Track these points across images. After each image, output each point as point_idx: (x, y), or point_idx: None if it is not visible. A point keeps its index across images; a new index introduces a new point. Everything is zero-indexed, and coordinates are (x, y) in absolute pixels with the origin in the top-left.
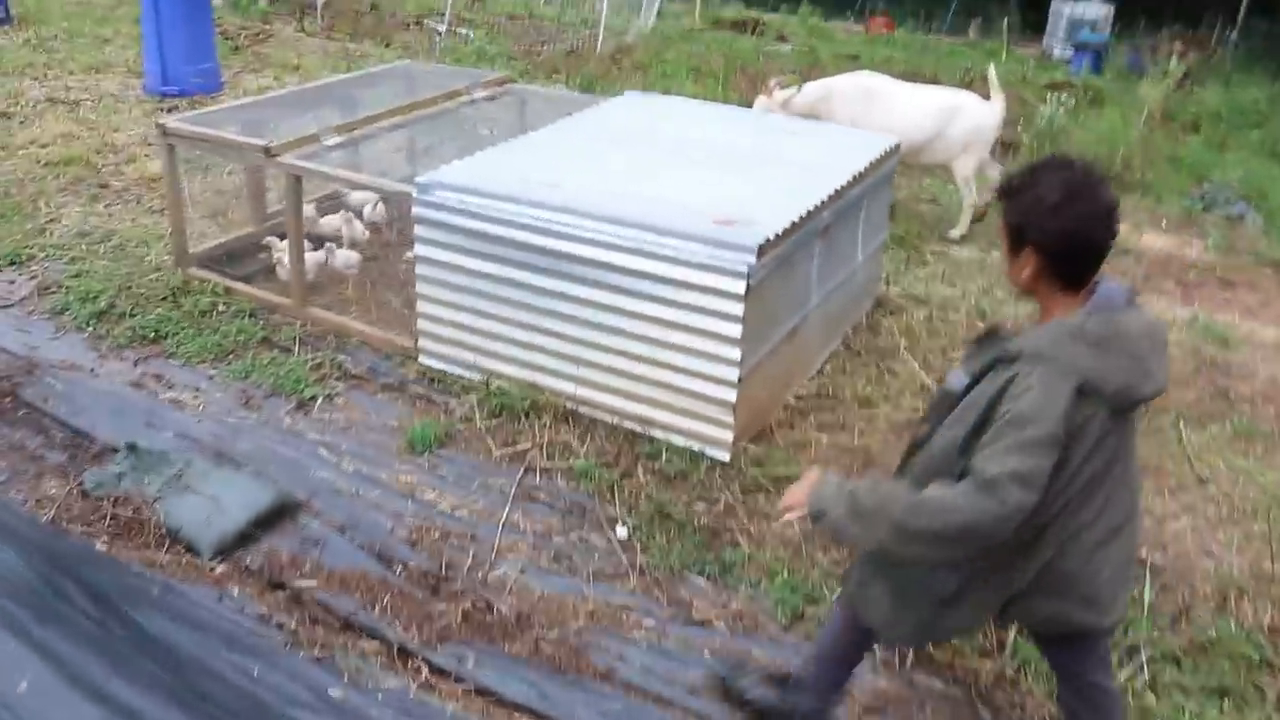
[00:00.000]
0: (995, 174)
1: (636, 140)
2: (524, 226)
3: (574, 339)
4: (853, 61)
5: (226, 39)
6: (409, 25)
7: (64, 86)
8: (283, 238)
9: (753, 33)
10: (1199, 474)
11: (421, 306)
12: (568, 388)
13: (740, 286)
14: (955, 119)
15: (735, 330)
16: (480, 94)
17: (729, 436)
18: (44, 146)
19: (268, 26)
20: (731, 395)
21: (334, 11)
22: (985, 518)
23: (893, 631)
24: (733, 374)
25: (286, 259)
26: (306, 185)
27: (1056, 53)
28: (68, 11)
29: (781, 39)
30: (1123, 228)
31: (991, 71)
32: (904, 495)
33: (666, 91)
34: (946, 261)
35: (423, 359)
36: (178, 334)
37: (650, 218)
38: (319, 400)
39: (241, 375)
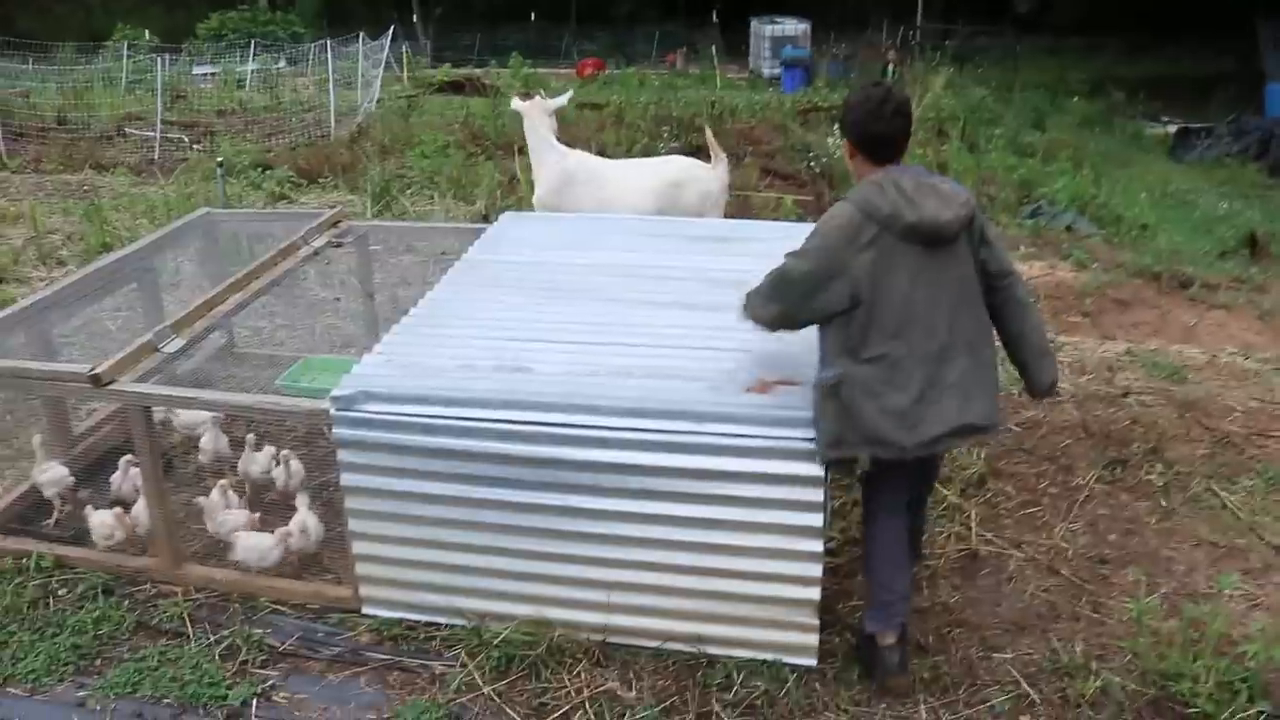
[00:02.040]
0: None
1: (567, 282)
2: (502, 436)
3: (592, 559)
4: (595, 111)
5: None
6: (109, 137)
7: None
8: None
9: (473, 92)
10: (1271, 543)
11: (359, 547)
12: (591, 618)
13: (817, 470)
14: (682, 191)
15: (815, 519)
16: (319, 241)
17: (814, 640)
18: None
19: None
20: (815, 593)
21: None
22: (776, 275)
23: (824, 449)
24: (815, 570)
25: (100, 521)
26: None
27: (766, 72)
28: None
29: (523, 95)
30: None
31: (709, 135)
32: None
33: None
34: None
35: (370, 609)
36: (7, 643)
37: (672, 402)
38: (254, 704)
39: (126, 689)
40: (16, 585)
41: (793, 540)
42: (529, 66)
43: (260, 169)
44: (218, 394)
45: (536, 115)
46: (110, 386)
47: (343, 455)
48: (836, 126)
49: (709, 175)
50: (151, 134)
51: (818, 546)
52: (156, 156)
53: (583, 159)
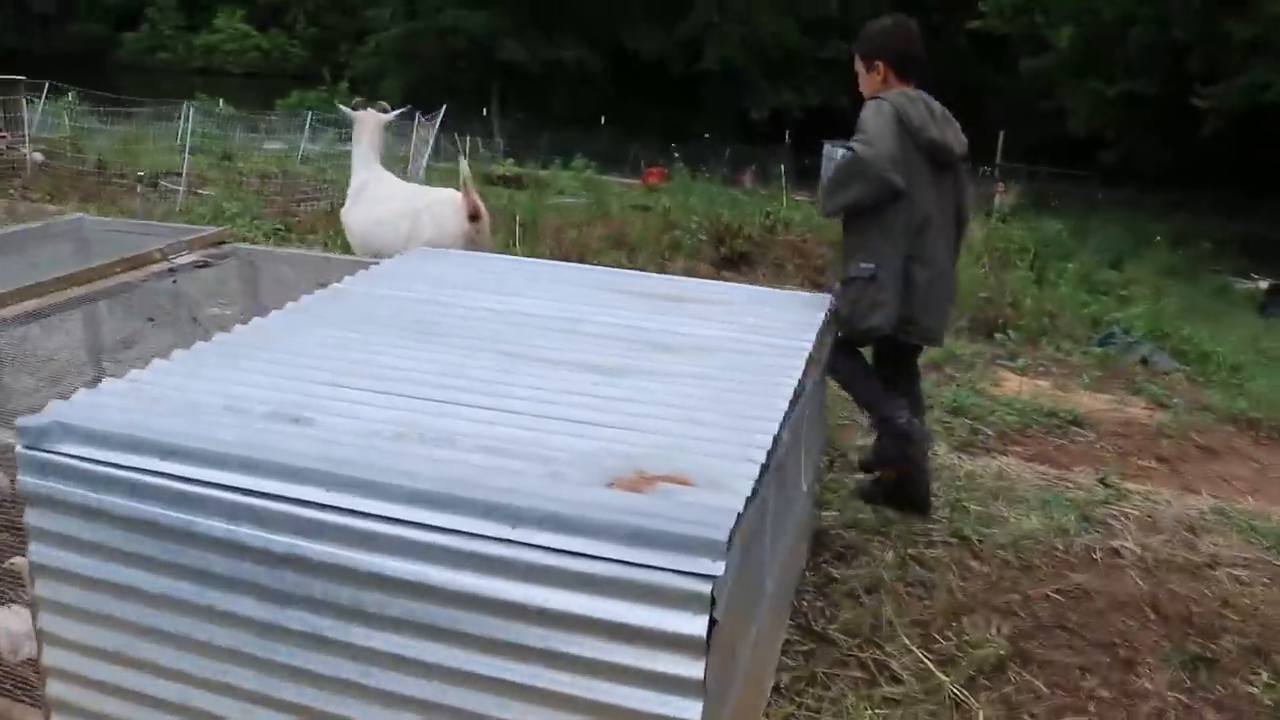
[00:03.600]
0: None
1: (449, 326)
2: (229, 512)
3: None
4: (645, 212)
5: None
6: (136, 186)
7: None
8: None
9: (527, 187)
10: None
11: (51, 656)
12: None
13: (699, 625)
14: (420, 219)
15: (690, 710)
16: (185, 258)
17: None
18: None
19: None
20: None
21: (51, 172)
22: (850, 161)
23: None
24: None
25: None
26: None
27: None
28: None
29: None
30: (1052, 390)
31: (464, 179)
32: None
33: None
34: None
35: None
36: None
37: (494, 490)
38: None
39: None
40: None
41: None
42: (593, 170)
43: (251, 218)
44: None
45: (369, 126)
46: None
47: (30, 516)
48: (858, 50)
49: (449, 215)
50: (180, 186)
51: None
52: (178, 208)
53: (381, 176)
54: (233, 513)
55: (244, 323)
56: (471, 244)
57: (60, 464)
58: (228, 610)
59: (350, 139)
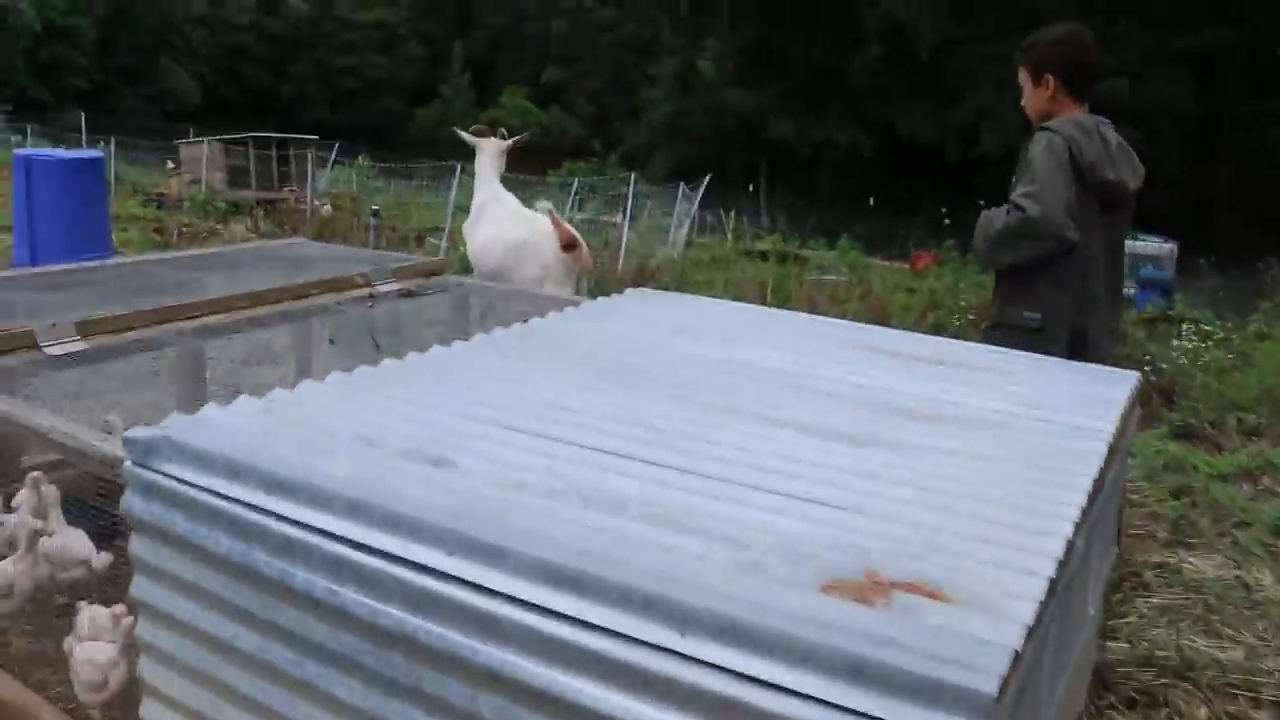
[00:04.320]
0: None
1: (656, 372)
2: (333, 568)
3: None
4: (909, 294)
5: (158, 234)
6: (409, 239)
7: None
8: None
9: (790, 263)
10: None
11: (150, 711)
12: None
13: None
14: (522, 252)
15: None
16: (389, 286)
17: None
18: None
19: (218, 226)
20: None
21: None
22: (1012, 221)
23: None
24: None
25: None
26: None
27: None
28: None
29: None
30: None
31: (552, 214)
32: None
33: None
34: (1181, 583)
35: None
36: None
37: (675, 582)
38: None
39: None
40: None
41: None
42: (859, 251)
43: None
44: (27, 412)
45: (488, 151)
46: None
47: (134, 545)
48: (1024, 61)
49: (550, 243)
50: (443, 241)
51: None
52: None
53: (500, 197)
54: (337, 569)
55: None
56: (571, 273)
57: (166, 487)
58: (328, 691)
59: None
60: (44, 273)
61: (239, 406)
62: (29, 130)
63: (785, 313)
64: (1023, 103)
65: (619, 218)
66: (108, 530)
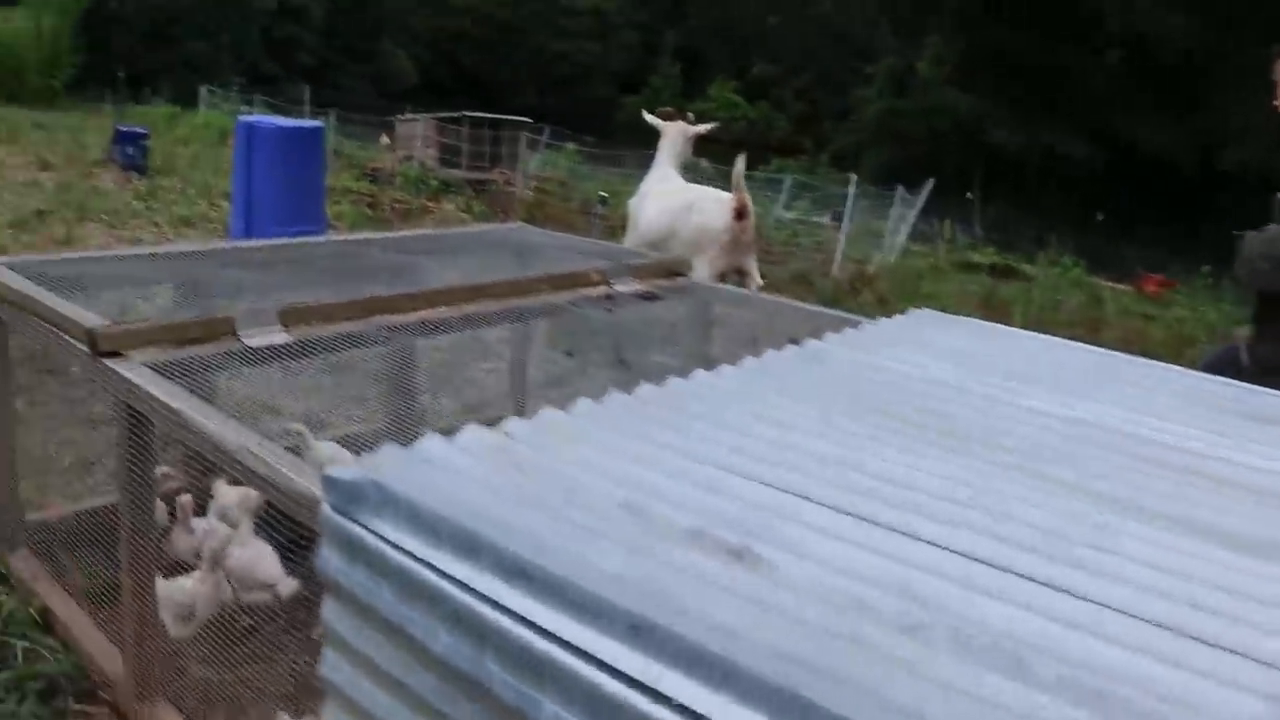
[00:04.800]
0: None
1: (947, 416)
2: (598, 712)
3: None
4: (1146, 320)
5: (371, 209)
6: (615, 229)
7: (131, 239)
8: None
9: (1009, 278)
10: None
11: None
12: None
13: None
14: (689, 216)
15: None
16: (628, 286)
17: None
18: None
19: (430, 204)
20: None
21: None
22: None
23: None
24: None
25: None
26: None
27: None
28: (202, 165)
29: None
30: None
31: (737, 173)
32: None
33: None
34: None
35: None
36: None
37: None
38: None
39: None
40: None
41: None
42: (1081, 270)
43: None
44: (209, 420)
45: (671, 135)
46: (107, 359)
47: (327, 610)
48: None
49: (715, 210)
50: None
51: None
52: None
53: (668, 176)
54: (607, 713)
55: (683, 376)
56: (736, 243)
57: (373, 548)
58: None
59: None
60: (254, 248)
61: (467, 442)
62: (255, 100)
63: (1107, 353)
64: (1276, 101)
65: (827, 217)
66: (298, 543)
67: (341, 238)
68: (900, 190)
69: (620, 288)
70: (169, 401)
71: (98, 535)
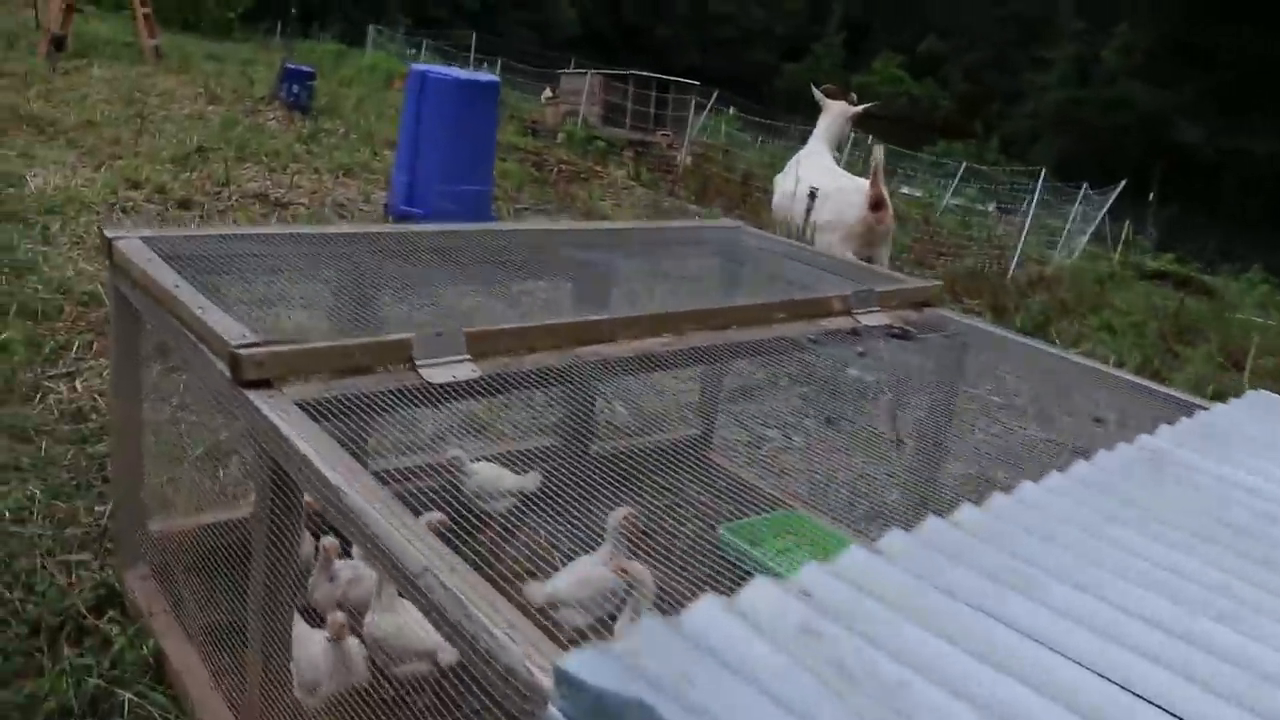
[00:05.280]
0: None
1: None
2: None
3: None
4: None
5: (536, 169)
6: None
7: (289, 184)
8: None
9: (1190, 291)
10: None
11: None
12: None
13: None
14: (823, 204)
15: None
16: (876, 318)
17: None
18: None
19: (597, 168)
20: None
21: (701, 174)
22: None
23: None
24: None
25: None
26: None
27: None
28: (367, 109)
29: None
30: None
31: (876, 165)
32: None
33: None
34: None
35: None
36: None
37: None
38: None
39: None
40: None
41: None
42: (1271, 286)
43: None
44: (387, 526)
45: (833, 113)
46: (249, 390)
47: None
48: None
49: (851, 201)
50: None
51: None
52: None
53: (817, 151)
54: None
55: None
56: (871, 234)
57: None
58: None
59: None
60: (426, 234)
61: (757, 611)
62: (423, 45)
63: None
64: None
65: (992, 206)
66: None
67: (527, 227)
68: (1085, 188)
69: (866, 319)
70: (328, 475)
71: (224, 558)
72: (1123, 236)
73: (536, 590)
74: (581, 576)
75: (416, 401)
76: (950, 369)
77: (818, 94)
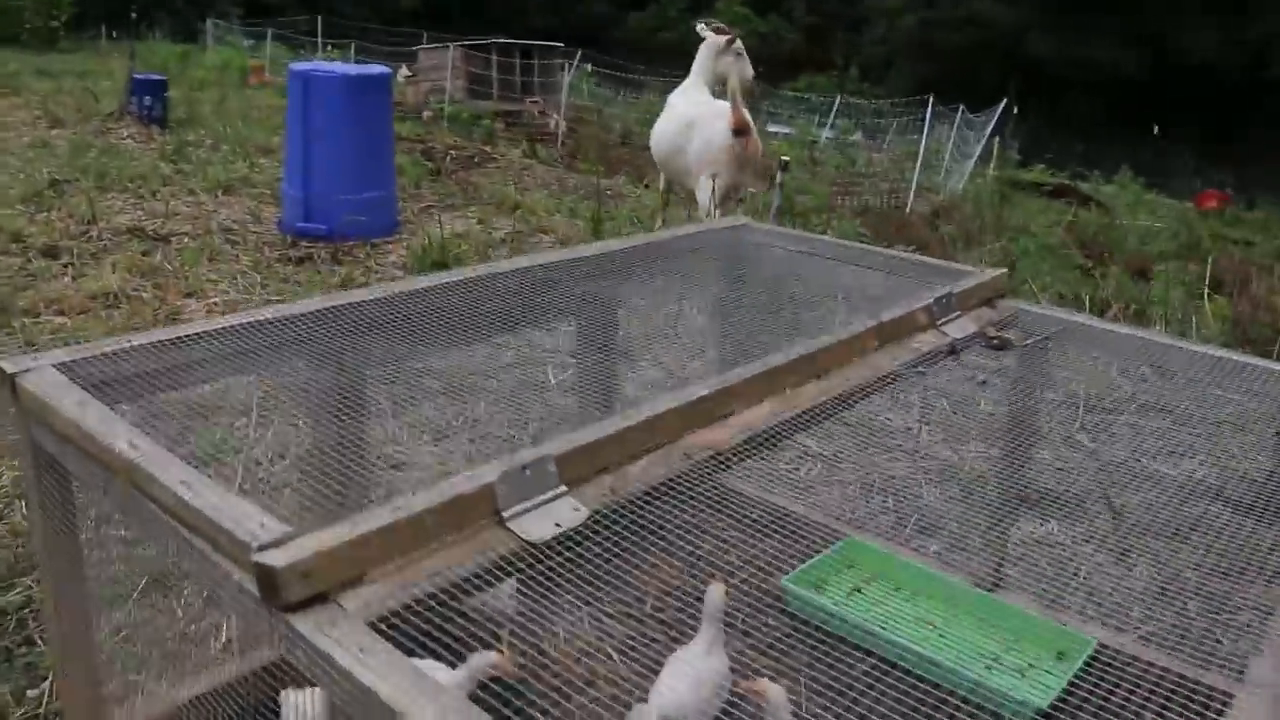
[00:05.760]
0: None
1: None
2: None
3: None
4: (1247, 248)
5: (426, 160)
6: None
7: (165, 212)
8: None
9: (1071, 200)
10: None
11: None
12: None
13: None
14: (691, 132)
15: None
16: (962, 328)
17: None
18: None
19: (488, 149)
20: None
21: (577, 138)
22: None
23: None
24: None
25: None
26: None
27: None
28: (230, 114)
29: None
30: None
31: (734, 94)
32: None
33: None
34: None
35: None
36: None
37: None
38: None
39: None
40: None
41: None
42: (1140, 187)
43: (823, 214)
44: None
45: (702, 50)
46: (296, 617)
47: None
48: None
49: (717, 129)
50: None
51: None
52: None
53: (688, 88)
54: None
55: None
56: (738, 160)
57: None
58: None
59: None
60: (417, 293)
61: None
62: (268, 35)
63: None
64: None
65: (858, 135)
66: None
67: (527, 262)
68: (962, 110)
69: (951, 329)
70: None
71: None
72: (994, 153)
73: (647, 715)
74: (696, 678)
75: (524, 582)
76: (1027, 367)
77: (703, 29)
